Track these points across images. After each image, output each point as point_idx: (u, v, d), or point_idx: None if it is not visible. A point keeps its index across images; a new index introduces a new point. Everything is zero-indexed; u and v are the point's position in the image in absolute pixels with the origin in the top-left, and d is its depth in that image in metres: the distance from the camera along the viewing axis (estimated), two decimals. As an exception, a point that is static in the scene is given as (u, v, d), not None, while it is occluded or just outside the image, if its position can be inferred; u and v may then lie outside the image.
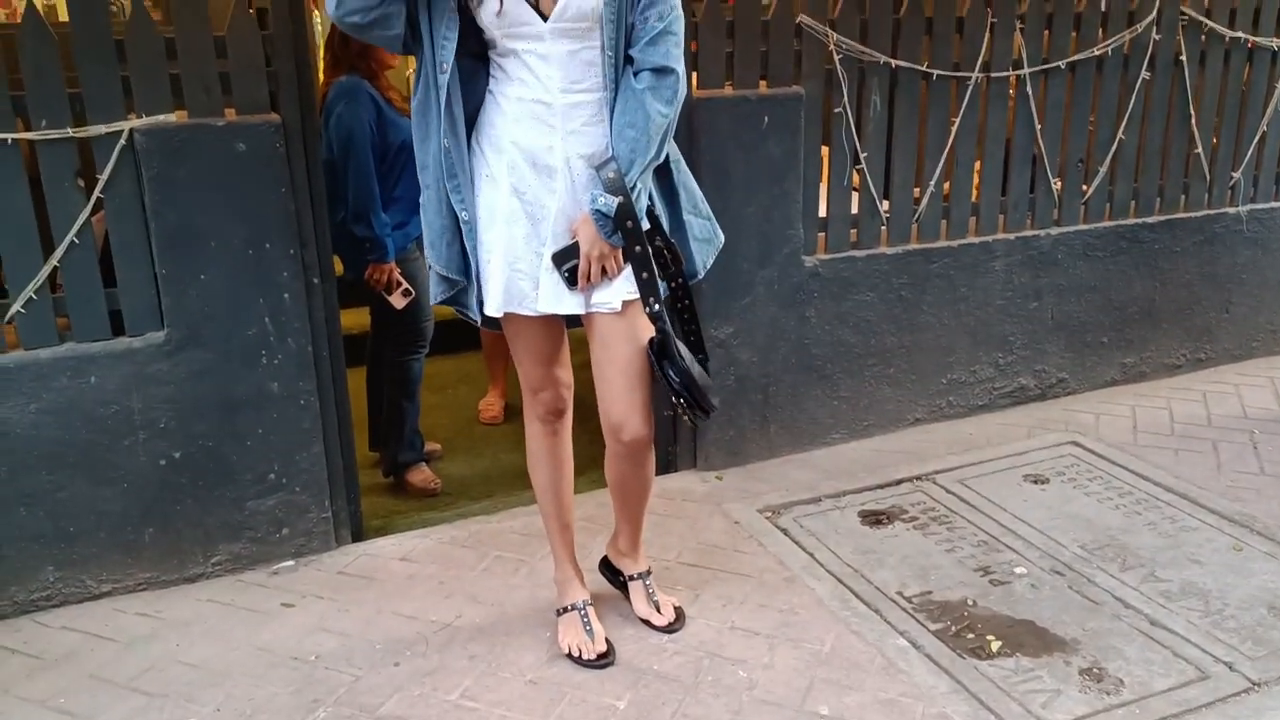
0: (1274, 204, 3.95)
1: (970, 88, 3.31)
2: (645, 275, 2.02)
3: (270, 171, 2.56)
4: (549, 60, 1.96)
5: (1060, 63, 3.43)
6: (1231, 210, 3.86)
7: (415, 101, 2.05)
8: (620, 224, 1.97)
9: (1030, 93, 3.41)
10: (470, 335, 4.56)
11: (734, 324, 3.18)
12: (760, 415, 3.31)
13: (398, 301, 3.20)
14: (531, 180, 2.03)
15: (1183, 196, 3.80)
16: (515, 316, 2.12)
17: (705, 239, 2.21)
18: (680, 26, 1.99)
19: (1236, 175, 3.85)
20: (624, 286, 2.07)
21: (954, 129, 3.33)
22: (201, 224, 2.53)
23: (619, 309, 2.08)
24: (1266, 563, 2.68)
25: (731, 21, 2.99)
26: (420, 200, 2.14)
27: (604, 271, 2.04)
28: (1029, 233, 3.55)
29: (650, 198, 2.08)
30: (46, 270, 2.46)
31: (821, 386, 3.36)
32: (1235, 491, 3.07)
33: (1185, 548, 2.76)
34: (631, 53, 1.97)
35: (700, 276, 2.21)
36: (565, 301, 2.07)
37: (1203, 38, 3.63)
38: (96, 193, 2.46)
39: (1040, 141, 3.48)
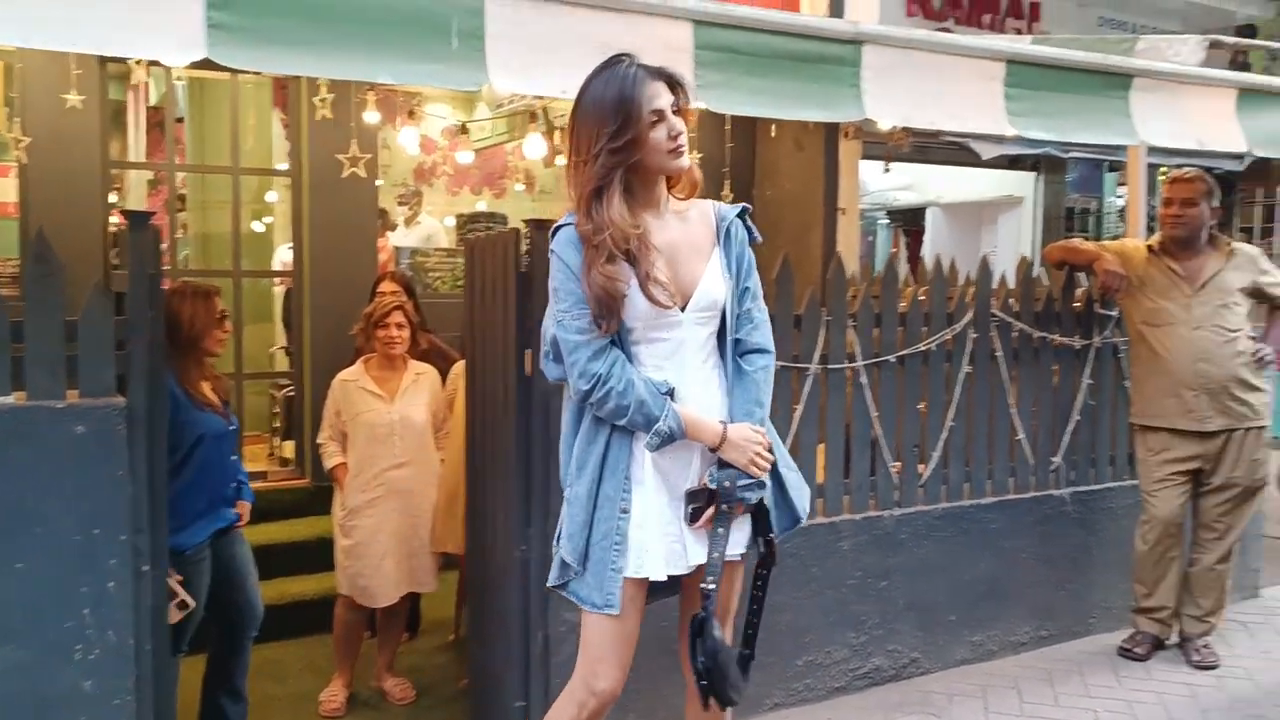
0: (1094, 486, 4.22)
1: (810, 377, 3.52)
2: (715, 555, 2.16)
3: (109, 454, 2.48)
4: (685, 344, 2.21)
5: (890, 356, 3.71)
6: (1056, 492, 4.11)
7: (572, 408, 2.26)
8: (723, 501, 2.17)
9: (865, 382, 3.65)
10: (318, 619, 4.36)
11: (590, 607, 3.11)
12: (619, 705, 3.17)
13: (172, 615, 2.87)
14: (670, 456, 2.20)
15: (1011, 479, 4.03)
16: (630, 587, 2.19)
17: (799, 488, 2.38)
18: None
19: (1057, 460, 4.13)
20: (740, 540, 2.25)
21: (797, 415, 3.50)
22: (28, 508, 2.40)
23: (735, 559, 2.27)
24: None
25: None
26: (567, 495, 2.26)
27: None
28: (873, 513, 3.68)
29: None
30: None
31: (677, 671, 3.26)
32: (1088, 775, 3.07)
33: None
34: (740, 336, 2.28)
35: (801, 522, 2.40)
36: (703, 548, 2.20)
37: (1014, 336, 4.00)
38: (-87, 476, 2.33)
39: (877, 427, 3.69)
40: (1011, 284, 4.10)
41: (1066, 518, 4.12)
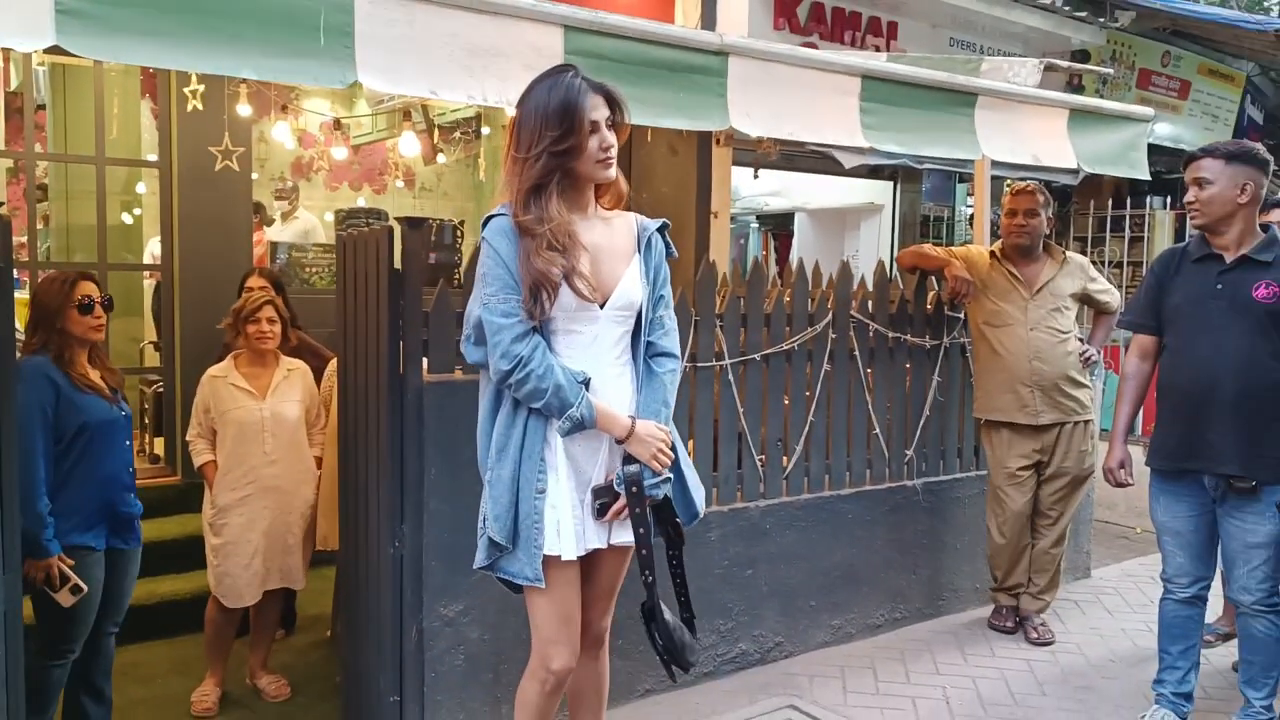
0: (942, 477, 4.38)
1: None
2: (645, 553, 2.28)
3: (-49, 455, 2.30)
4: (599, 339, 2.28)
5: (755, 355, 3.76)
6: (909, 483, 4.24)
7: (490, 394, 2.31)
8: (633, 501, 2.25)
9: (732, 380, 3.69)
10: (189, 619, 4.16)
11: (463, 601, 3.06)
12: (492, 695, 3.14)
13: (64, 599, 2.81)
14: (581, 443, 2.27)
15: (868, 471, 4.14)
16: (565, 569, 2.28)
17: (697, 486, 2.47)
18: None
19: (909, 453, 4.26)
20: (626, 533, 2.32)
21: (668, 411, 3.51)
22: None
23: (626, 545, 2.36)
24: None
25: (460, 312, 3.09)
26: (487, 478, 2.31)
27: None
28: (740, 505, 3.73)
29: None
30: None
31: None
32: (934, 747, 3.18)
33: (894, 809, 2.79)
34: (652, 339, 2.37)
35: (699, 518, 2.48)
36: (602, 535, 2.31)
37: (870, 336, 4.11)
38: None
39: (743, 422, 3.73)
40: (870, 287, 4.21)
41: (918, 507, 4.26)
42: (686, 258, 5.78)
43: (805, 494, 3.92)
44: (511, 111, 2.74)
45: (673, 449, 2.35)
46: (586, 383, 2.25)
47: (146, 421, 5.52)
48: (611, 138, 2.26)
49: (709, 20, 6.07)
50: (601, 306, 2.27)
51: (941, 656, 3.92)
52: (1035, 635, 4.10)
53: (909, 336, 4.24)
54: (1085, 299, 4.19)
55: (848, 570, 4.02)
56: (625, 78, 2.97)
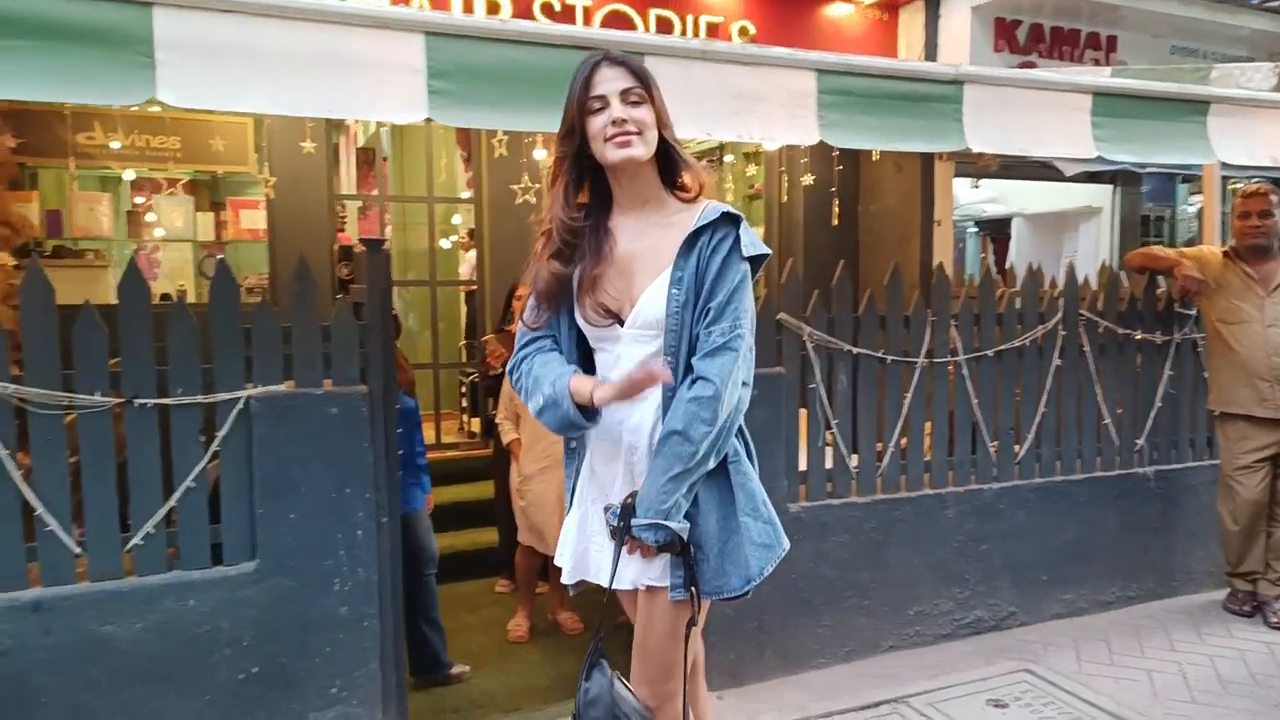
0: (1175, 465, 4.03)
1: (918, 369, 3.49)
2: (606, 599, 1.85)
3: (356, 430, 2.67)
4: (622, 359, 1.83)
5: (988, 351, 3.63)
6: (1140, 470, 3.94)
7: None
8: (614, 525, 1.79)
9: (966, 374, 3.59)
10: (503, 562, 4.54)
11: (730, 561, 3.17)
12: (756, 642, 3.24)
13: None
14: (603, 465, 1.89)
15: (1098, 458, 3.89)
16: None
17: (765, 544, 1.83)
18: (742, 345, 1.76)
19: (1140, 442, 3.96)
20: (645, 573, 1.80)
21: (907, 401, 3.47)
22: (296, 472, 2.61)
23: (641, 588, 1.83)
24: (1207, 787, 2.54)
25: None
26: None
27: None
28: (974, 486, 3.61)
29: (696, 505, 1.79)
30: (166, 509, 2.51)
31: (808, 616, 3.31)
32: (1172, 719, 2.96)
33: (1134, 771, 2.63)
34: (693, 360, 1.77)
35: (755, 583, 1.81)
36: (618, 575, 1.81)
37: (1100, 332, 3.85)
38: (214, 446, 2.56)
39: (977, 412, 3.62)
40: (1094, 287, 3.95)
41: (1149, 492, 3.94)
42: (912, 262, 5.64)
43: (1037, 478, 3.73)
44: (769, 146, 2.80)
45: (730, 492, 1.80)
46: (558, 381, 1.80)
47: (465, 405, 6.07)
48: (626, 113, 1.73)
49: (931, 47, 5.87)
50: (623, 324, 1.82)
51: (1176, 634, 3.63)
52: (1275, 620, 3.69)
53: (1139, 333, 3.93)
54: (1325, 295, 3.73)
55: (1078, 549, 3.80)
56: (871, 110, 2.97)
